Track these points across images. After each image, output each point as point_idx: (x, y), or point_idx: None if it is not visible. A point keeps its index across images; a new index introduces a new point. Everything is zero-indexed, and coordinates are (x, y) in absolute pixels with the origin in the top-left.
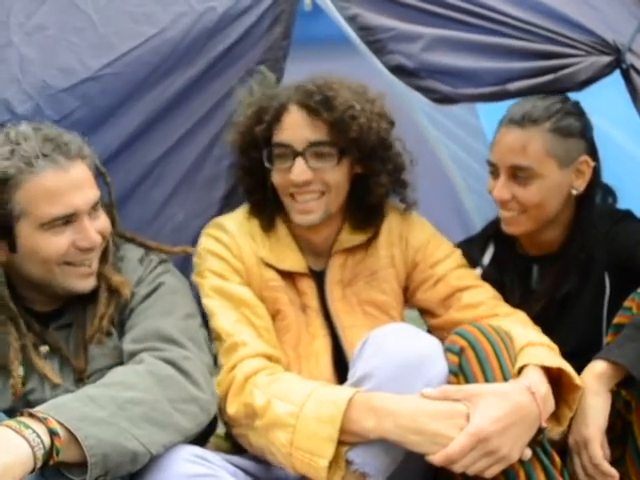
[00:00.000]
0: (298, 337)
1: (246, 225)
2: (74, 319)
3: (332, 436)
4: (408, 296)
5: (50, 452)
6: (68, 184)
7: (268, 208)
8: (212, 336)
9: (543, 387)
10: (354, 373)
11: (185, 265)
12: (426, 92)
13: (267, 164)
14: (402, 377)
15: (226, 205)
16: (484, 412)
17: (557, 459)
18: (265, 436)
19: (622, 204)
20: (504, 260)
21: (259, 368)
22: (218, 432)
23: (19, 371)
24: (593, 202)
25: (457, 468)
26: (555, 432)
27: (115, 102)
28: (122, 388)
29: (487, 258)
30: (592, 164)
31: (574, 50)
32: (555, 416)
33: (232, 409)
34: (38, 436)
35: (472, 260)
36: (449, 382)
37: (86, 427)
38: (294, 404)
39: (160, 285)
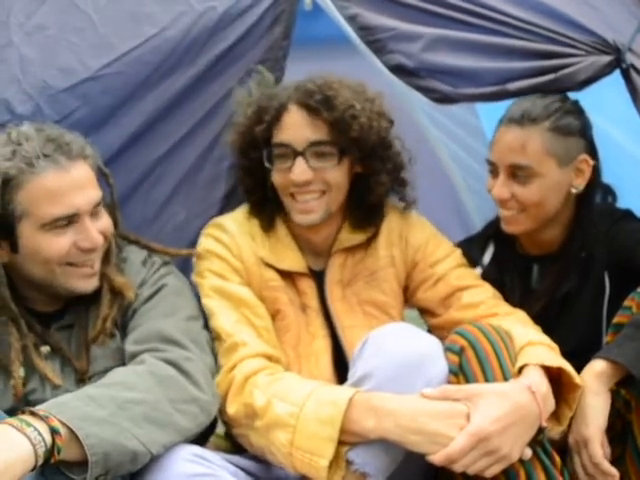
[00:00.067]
0: (298, 337)
1: (246, 225)
2: (76, 320)
3: (332, 436)
4: (408, 296)
5: (51, 450)
6: (69, 184)
7: (268, 208)
8: (212, 336)
9: (543, 386)
10: (354, 373)
11: (185, 265)
12: (426, 92)
13: (267, 164)
14: (402, 377)
15: (227, 205)
16: (484, 412)
17: (557, 458)
18: (265, 436)
19: (622, 203)
20: (504, 260)
21: (259, 368)
22: (218, 432)
23: (20, 372)
24: (593, 201)
25: (457, 468)
26: (555, 431)
27: (115, 102)
28: (122, 388)
29: (487, 258)
30: (592, 163)
31: (574, 50)
32: (555, 415)
33: (232, 409)
34: (39, 434)
35: (472, 260)
36: (449, 382)
37: (87, 426)
38: (294, 404)
39: (163, 287)
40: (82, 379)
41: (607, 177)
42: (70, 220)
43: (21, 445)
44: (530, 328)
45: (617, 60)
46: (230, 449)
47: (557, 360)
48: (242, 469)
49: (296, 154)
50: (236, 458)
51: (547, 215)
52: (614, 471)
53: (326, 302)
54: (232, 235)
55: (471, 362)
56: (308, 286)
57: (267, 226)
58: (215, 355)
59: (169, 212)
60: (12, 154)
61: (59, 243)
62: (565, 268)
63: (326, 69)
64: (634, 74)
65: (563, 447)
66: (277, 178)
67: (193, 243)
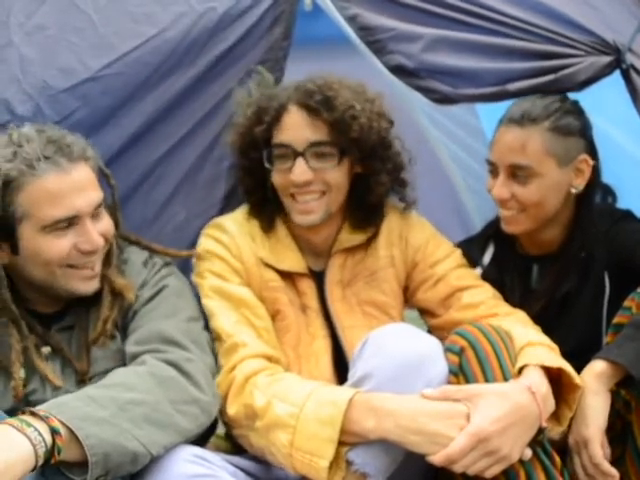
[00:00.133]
0: (298, 337)
1: (246, 225)
2: (76, 321)
3: (332, 437)
4: (408, 296)
5: (51, 451)
6: (70, 186)
7: (268, 209)
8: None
9: (543, 387)
10: (354, 373)
11: (185, 265)
12: (426, 92)
13: (267, 164)
14: (402, 377)
15: (227, 205)
16: (484, 412)
17: (557, 459)
18: (265, 437)
19: (622, 204)
20: (504, 260)
21: (259, 369)
22: (218, 432)
23: (20, 373)
24: (593, 201)
25: (457, 468)
26: (555, 432)
27: (116, 103)
28: (123, 389)
29: (487, 258)
30: (591, 163)
31: (574, 50)
32: (555, 416)
33: (232, 410)
34: (40, 434)
35: (472, 260)
36: (449, 382)
37: (87, 427)
38: (294, 405)
39: (164, 288)
40: (82, 380)
41: (607, 177)
42: (70, 222)
43: (21, 445)
44: (530, 328)
45: (617, 60)
46: (230, 450)
47: (557, 360)
48: (242, 470)
49: (296, 154)
50: (236, 459)
51: (547, 215)
52: (614, 472)
53: (326, 302)
54: (232, 235)
55: (471, 362)
56: (308, 286)
57: (267, 227)
58: (216, 356)
59: (169, 212)
60: (13, 156)
61: (59, 245)
62: (565, 268)
63: (326, 69)
64: (634, 74)
65: (563, 447)
66: (277, 178)
67: (193, 243)
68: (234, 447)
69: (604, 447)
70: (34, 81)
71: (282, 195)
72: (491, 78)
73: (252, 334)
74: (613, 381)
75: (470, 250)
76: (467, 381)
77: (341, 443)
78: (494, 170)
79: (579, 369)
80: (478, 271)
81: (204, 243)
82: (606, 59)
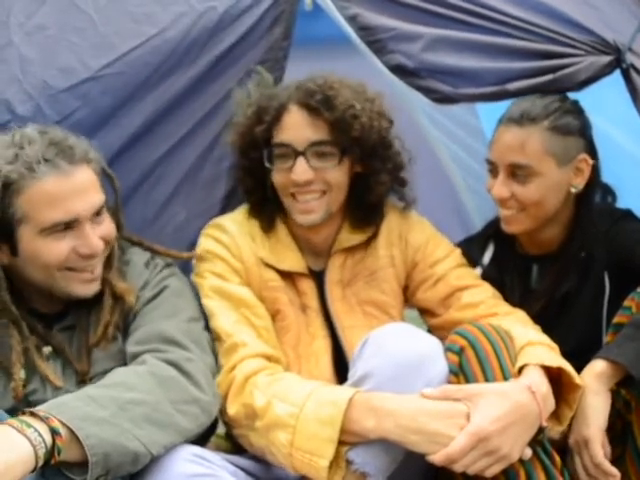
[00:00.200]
0: (298, 337)
1: (246, 225)
2: (77, 321)
3: (332, 437)
4: (408, 296)
5: (51, 451)
6: (70, 189)
7: (268, 208)
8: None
9: (543, 386)
10: (354, 373)
11: (185, 265)
12: (426, 92)
13: (267, 164)
14: (402, 377)
15: (227, 205)
16: (484, 411)
17: (557, 458)
18: (265, 437)
19: (622, 203)
20: (504, 259)
21: (259, 368)
22: (218, 432)
23: (21, 374)
24: (592, 201)
25: (457, 468)
26: (555, 431)
27: (116, 102)
28: (123, 389)
29: (487, 258)
30: (591, 162)
31: (574, 50)
32: (555, 415)
33: (232, 410)
34: (40, 435)
35: (472, 260)
36: (449, 382)
37: (88, 426)
38: (294, 405)
39: (165, 288)
40: (83, 380)
41: (607, 177)
42: (69, 225)
43: (21, 446)
44: (530, 328)
45: (617, 60)
46: (230, 449)
47: (557, 360)
48: (242, 469)
49: (297, 154)
50: (236, 458)
51: (547, 215)
52: (615, 471)
53: (326, 302)
54: (232, 235)
55: (471, 362)
56: (308, 286)
57: (267, 226)
58: (216, 356)
59: (169, 212)
60: (14, 158)
61: (58, 248)
62: (565, 268)
63: (326, 69)
64: (634, 74)
65: (563, 447)
66: (278, 178)
67: (193, 243)
68: (234, 447)
69: (605, 446)
70: (34, 81)
71: (282, 195)
72: (491, 78)
73: (252, 334)
74: (613, 381)
75: (470, 250)
76: (467, 381)
77: (341, 443)
78: (494, 170)
79: (579, 369)
80: (478, 271)
81: (204, 243)
82: (606, 59)
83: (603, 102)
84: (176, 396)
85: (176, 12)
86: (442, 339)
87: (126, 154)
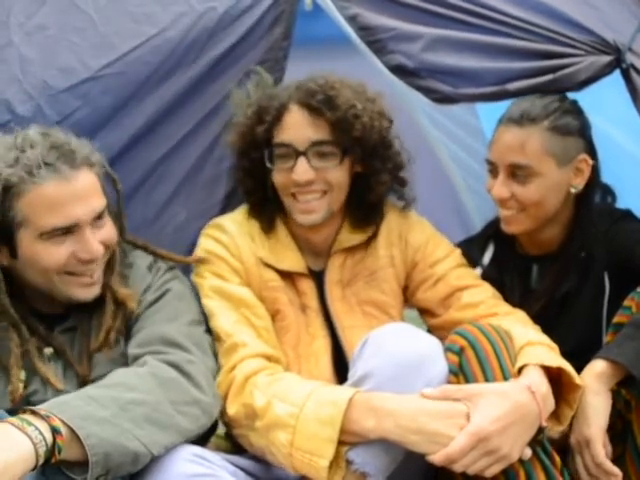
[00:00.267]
0: (298, 337)
1: (245, 225)
2: (79, 323)
3: (332, 437)
4: (408, 296)
5: (52, 450)
6: (70, 194)
7: (268, 209)
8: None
9: (543, 386)
10: (354, 373)
11: (186, 266)
12: (426, 92)
13: (268, 164)
14: (402, 377)
15: (227, 205)
16: (484, 411)
17: (557, 458)
18: (265, 437)
19: (621, 203)
20: (504, 260)
21: (259, 368)
22: (218, 432)
23: (20, 376)
24: (592, 201)
25: (457, 468)
26: (555, 431)
27: (116, 102)
28: (124, 389)
29: (487, 258)
30: (591, 162)
31: (574, 50)
32: (555, 415)
33: (232, 410)
34: (40, 433)
35: (472, 260)
36: (449, 382)
37: (88, 426)
38: (294, 405)
39: (167, 291)
40: (84, 382)
41: (607, 177)
42: (69, 230)
43: (22, 444)
44: (530, 328)
45: (617, 60)
46: (230, 449)
47: (557, 360)
48: (242, 469)
49: (298, 154)
50: (236, 458)
51: (547, 215)
52: (617, 470)
53: (326, 302)
54: (231, 235)
55: (471, 362)
56: (308, 286)
57: (267, 227)
58: (216, 357)
59: (170, 213)
60: (15, 161)
61: (57, 253)
62: (565, 268)
63: (326, 69)
64: (634, 74)
65: (563, 447)
66: (278, 178)
67: (193, 244)
68: (234, 447)
69: (606, 446)
70: (34, 81)
71: (283, 195)
72: (491, 78)
73: (252, 334)
74: (614, 381)
75: (470, 250)
76: (467, 381)
77: (341, 443)
78: (494, 170)
79: (579, 369)
80: (478, 271)
81: (204, 243)
82: (606, 59)
83: (603, 102)
84: (177, 397)
85: (176, 12)
86: (442, 339)
87: (127, 154)
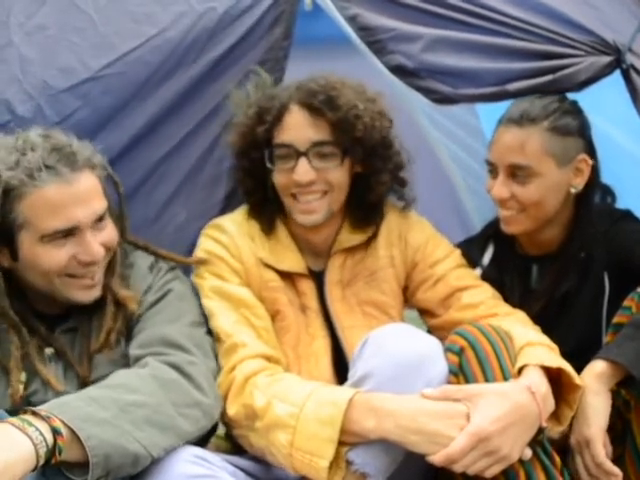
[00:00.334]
0: (298, 338)
1: (245, 226)
2: (80, 324)
3: (332, 437)
4: (408, 296)
5: (52, 451)
6: (71, 197)
7: (268, 209)
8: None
9: (543, 387)
10: (354, 373)
11: (186, 266)
12: (426, 92)
13: (269, 165)
14: (402, 377)
15: (227, 206)
16: (484, 412)
17: (557, 459)
18: (265, 437)
19: (621, 204)
20: (504, 260)
21: (259, 369)
22: (218, 433)
23: (21, 378)
24: (592, 201)
25: (457, 468)
26: (555, 431)
27: (116, 103)
28: (124, 391)
29: (487, 258)
30: (590, 163)
31: (574, 50)
32: (555, 415)
33: (232, 410)
34: (41, 434)
35: (472, 260)
36: (449, 382)
37: (89, 427)
38: (294, 405)
39: (168, 292)
40: (85, 383)
41: (606, 177)
42: (70, 232)
43: (22, 445)
44: (530, 328)
45: (617, 60)
46: (230, 450)
47: (557, 360)
48: (242, 470)
49: (299, 154)
50: (236, 459)
51: (546, 215)
52: (617, 471)
53: (326, 303)
54: (231, 236)
55: (471, 362)
56: (308, 287)
57: (267, 227)
58: (217, 358)
59: (170, 213)
60: (15, 164)
61: (58, 255)
62: (564, 268)
63: (326, 69)
64: (634, 74)
65: (563, 447)
66: (279, 178)
67: (194, 244)
68: (234, 447)
69: (606, 446)
70: (34, 81)
71: (283, 195)
72: (491, 78)
73: (252, 334)
74: (613, 381)
75: (470, 250)
76: (467, 381)
77: (341, 443)
78: (493, 170)
79: (579, 369)
80: (478, 271)
81: (203, 243)
82: (606, 59)
83: (603, 102)
84: (178, 399)
85: (176, 12)
86: (442, 339)
87: (127, 155)
